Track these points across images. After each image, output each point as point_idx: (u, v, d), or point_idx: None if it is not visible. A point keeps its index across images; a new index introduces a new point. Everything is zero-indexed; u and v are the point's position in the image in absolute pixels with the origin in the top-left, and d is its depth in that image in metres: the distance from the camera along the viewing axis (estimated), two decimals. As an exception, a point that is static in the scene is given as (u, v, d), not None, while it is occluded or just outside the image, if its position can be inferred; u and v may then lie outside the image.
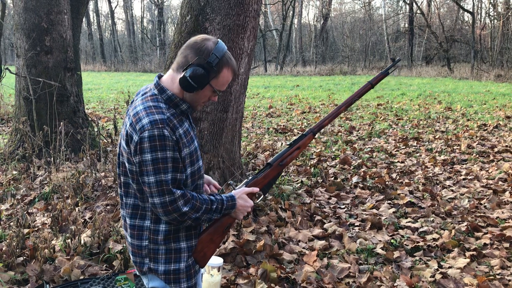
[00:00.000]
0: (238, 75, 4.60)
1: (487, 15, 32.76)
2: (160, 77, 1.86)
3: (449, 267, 3.52)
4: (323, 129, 9.24)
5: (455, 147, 7.58)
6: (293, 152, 2.10)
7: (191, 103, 1.83)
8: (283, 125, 9.74)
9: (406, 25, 35.52)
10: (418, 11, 31.97)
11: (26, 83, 6.11)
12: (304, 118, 10.88)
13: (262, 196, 2.08)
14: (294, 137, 8.50)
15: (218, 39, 1.79)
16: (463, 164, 6.59)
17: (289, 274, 3.33)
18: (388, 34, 34.43)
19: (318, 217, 4.43)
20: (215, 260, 2.91)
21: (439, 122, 10.26)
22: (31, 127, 6.04)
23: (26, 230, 3.82)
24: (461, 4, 29.72)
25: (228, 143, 4.82)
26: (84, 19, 8.50)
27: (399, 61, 2.31)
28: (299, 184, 5.36)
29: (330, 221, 4.39)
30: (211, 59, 1.73)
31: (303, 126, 9.65)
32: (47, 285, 2.96)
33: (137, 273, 1.92)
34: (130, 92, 8.82)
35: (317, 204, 4.79)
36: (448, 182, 5.73)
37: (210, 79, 1.76)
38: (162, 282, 1.86)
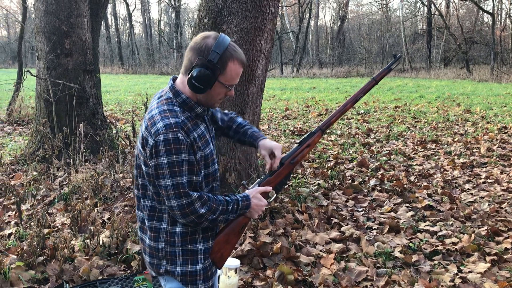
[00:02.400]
0: (256, 77, 4.61)
1: (507, 16, 32.27)
2: (174, 79, 1.86)
3: (469, 272, 3.47)
4: (339, 128, 9.20)
5: (474, 150, 7.47)
6: (303, 150, 2.10)
7: (207, 103, 1.82)
8: (300, 127, 9.72)
9: (424, 26, 35.19)
10: (436, 13, 31.64)
11: (46, 85, 6.21)
12: (320, 120, 10.83)
13: (275, 195, 2.09)
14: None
15: (220, 33, 1.75)
16: (483, 167, 6.49)
17: (306, 277, 3.31)
18: (406, 36, 34.10)
19: (335, 220, 4.40)
20: (232, 262, 2.92)
21: (458, 124, 10.12)
22: (51, 129, 6.13)
23: (46, 230, 3.87)
24: (481, 5, 29.29)
25: (245, 145, 4.82)
26: (102, 22, 8.61)
27: (400, 57, 2.33)
28: (316, 187, 5.34)
29: (347, 224, 4.36)
30: (211, 57, 1.69)
31: (319, 129, 9.60)
32: (67, 285, 2.99)
33: (153, 274, 1.93)
34: (147, 94, 8.92)
35: (334, 207, 4.77)
36: (467, 186, 5.65)
37: (217, 76, 1.73)
38: (179, 284, 1.87)
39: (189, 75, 1.73)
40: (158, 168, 1.68)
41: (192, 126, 1.75)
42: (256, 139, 2.09)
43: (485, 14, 31.19)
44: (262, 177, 2.06)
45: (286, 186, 4.96)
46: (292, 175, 5.44)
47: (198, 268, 1.85)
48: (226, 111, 2.20)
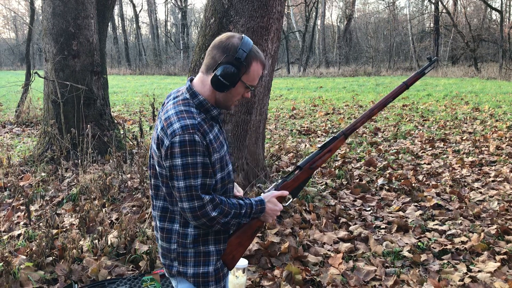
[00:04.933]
0: (262, 76, 4.61)
1: (515, 13, 31.99)
2: (192, 80, 1.85)
3: (479, 271, 3.44)
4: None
5: (483, 149, 7.41)
6: (324, 155, 2.05)
7: (225, 103, 1.81)
8: (307, 127, 9.70)
9: (432, 24, 35.01)
10: (444, 11, 31.44)
11: (54, 86, 6.24)
12: (328, 119, 10.81)
13: (291, 200, 2.05)
14: (318, 139, 8.46)
15: (243, 35, 1.76)
16: (492, 166, 6.44)
17: (314, 277, 3.30)
18: (413, 34, 33.93)
19: (343, 219, 4.39)
20: (240, 262, 2.91)
21: (466, 123, 10.06)
22: (59, 130, 6.16)
23: (54, 231, 3.89)
24: (489, 2, 29.08)
25: (252, 145, 4.82)
26: (109, 24, 8.65)
27: (436, 60, 2.22)
28: (323, 186, 5.33)
29: (355, 224, 4.35)
30: (239, 55, 1.70)
31: (326, 128, 9.59)
32: (76, 285, 3.01)
33: (166, 275, 1.93)
34: (155, 95, 8.94)
35: (342, 206, 4.75)
36: (476, 184, 5.60)
37: (241, 75, 1.73)
38: (191, 285, 1.86)
39: (214, 73, 1.72)
40: (173, 169, 1.67)
41: (208, 128, 1.75)
42: None
43: (493, 11, 30.98)
44: (279, 180, 2.02)
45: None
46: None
47: (210, 269, 1.84)
48: None
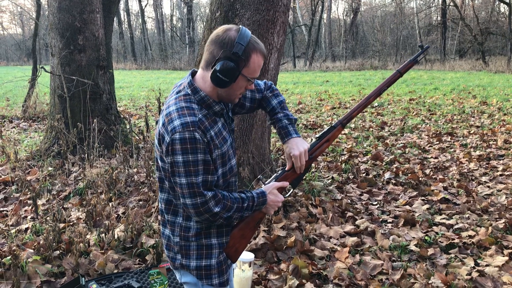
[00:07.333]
0: (268, 70, 4.59)
1: (524, 6, 31.61)
2: (193, 73, 1.82)
3: (487, 265, 3.42)
4: (353, 121, 9.13)
5: (491, 142, 7.36)
6: (322, 145, 2.03)
7: (228, 97, 1.78)
8: (313, 121, 9.68)
9: (439, 18, 34.72)
10: (451, 4, 31.16)
11: (60, 81, 6.26)
12: (334, 113, 10.77)
13: (292, 190, 2.05)
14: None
15: (240, 26, 1.72)
16: (500, 160, 6.39)
17: (321, 270, 3.30)
18: (420, 27, 33.70)
19: (349, 214, 4.37)
20: (246, 255, 2.91)
21: (474, 116, 9.98)
22: (66, 125, 6.18)
23: (62, 225, 3.91)
24: (497, -5, 28.78)
25: (258, 139, 4.81)
26: (115, 18, 8.65)
27: (428, 48, 2.18)
28: (330, 180, 5.31)
29: (362, 218, 4.33)
30: (236, 49, 1.65)
31: (333, 122, 9.55)
32: (83, 278, 3.02)
33: (170, 267, 1.93)
34: (160, 89, 8.92)
35: (349, 200, 4.74)
36: (484, 178, 5.56)
37: (241, 69, 1.70)
38: (194, 278, 1.87)
39: (213, 69, 1.69)
40: (174, 165, 1.67)
41: (210, 124, 1.73)
42: (282, 138, 1.98)
43: (502, 4, 30.64)
44: (279, 172, 2.01)
45: (300, 180, 4.94)
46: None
47: (213, 262, 1.85)
48: (260, 85, 2.07)
